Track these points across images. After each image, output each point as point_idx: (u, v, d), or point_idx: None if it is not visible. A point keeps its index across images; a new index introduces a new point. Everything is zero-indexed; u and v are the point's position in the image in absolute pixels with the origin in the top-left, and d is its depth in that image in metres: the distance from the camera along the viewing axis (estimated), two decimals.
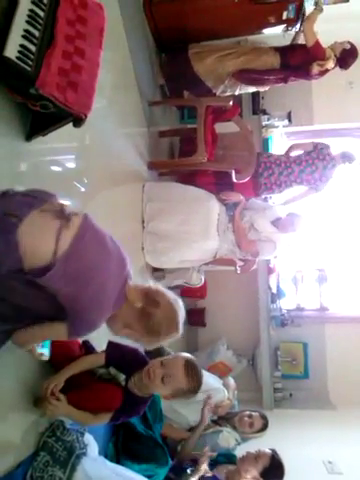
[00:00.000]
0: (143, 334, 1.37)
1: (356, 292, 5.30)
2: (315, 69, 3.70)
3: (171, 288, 4.24)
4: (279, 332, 4.95)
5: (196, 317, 5.31)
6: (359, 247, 5.35)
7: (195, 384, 1.85)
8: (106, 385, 1.88)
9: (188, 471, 2.42)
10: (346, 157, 3.75)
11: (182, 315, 1.43)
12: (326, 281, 5.31)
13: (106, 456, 2.15)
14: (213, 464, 2.52)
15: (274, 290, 4.98)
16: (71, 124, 1.70)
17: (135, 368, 1.93)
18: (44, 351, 1.61)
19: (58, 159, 2.15)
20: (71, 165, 2.31)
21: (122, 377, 1.91)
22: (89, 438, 1.96)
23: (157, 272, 3.85)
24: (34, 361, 1.76)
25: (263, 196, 4.07)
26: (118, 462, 2.13)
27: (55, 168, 2.11)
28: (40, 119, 1.70)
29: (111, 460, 2.08)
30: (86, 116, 1.64)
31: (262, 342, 4.69)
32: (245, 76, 3.89)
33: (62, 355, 1.83)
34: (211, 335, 5.15)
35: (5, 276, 1.19)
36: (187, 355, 2.00)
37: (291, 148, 3.90)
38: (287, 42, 4.01)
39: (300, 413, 4.46)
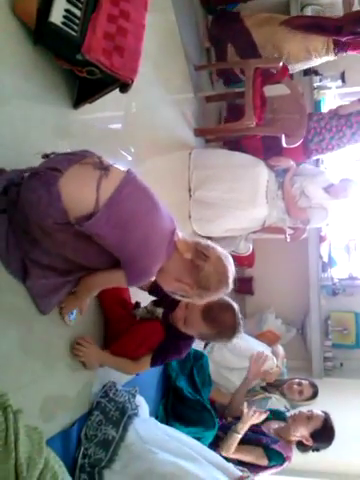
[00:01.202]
0: (193, 287, 1.37)
1: None
2: None
3: None
4: (330, 301, 4.86)
5: (244, 285, 5.30)
6: None
7: (216, 330, 1.77)
8: (144, 322, 1.87)
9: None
10: None
11: (232, 271, 1.41)
12: None
13: (156, 418, 2.21)
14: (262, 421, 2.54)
15: (325, 259, 4.87)
16: (118, 90, 1.67)
17: (174, 304, 1.89)
18: (72, 318, 1.65)
19: (104, 127, 2.15)
20: (117, 133, 2.30)
21: (159, 311, 1.89)
22: (140, 400, 2.01)
23: None
24: (89, 321, 1.82)
25: (314, 158, 3.92)
26: (167, 424, 2.18)
27: (102, 136, 2.11)
28: (87, 86, 1.69)
29: (161, 422, 2.14)
30: (133, 81, 1.62)
31: (312, 311, 4.63)
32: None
33: (114, 303, 1.89)
34: (259, 303, 5.13)
35: (55, 229, 1.24)
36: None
37: (339, 110, 3.70)
38: None
39: (351, 382, 4.40)
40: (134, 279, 1.38)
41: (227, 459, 2.17)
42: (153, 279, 1.49)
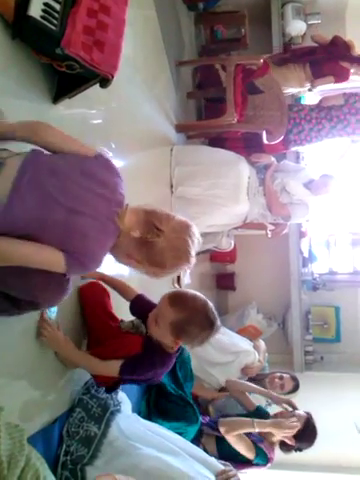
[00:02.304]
0: (145, 265, 1.22)
1: None
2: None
3: (201, 252, 4.27)
4: (310, 296, 4.93)
5: (226, 281, 5.34)
6: None
7: (185, 314, 1.57)
8: (126, 335, 1.79)
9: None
10: None
11: (194, 242, 1.24)
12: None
13: (139, 414, 2.21)
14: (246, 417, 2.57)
15: (306, 254, 4.92)
16: (98, 85, 1.66)
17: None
18: (52, 316, 1.61)
19: (85, 123, 2.13)
20: (98, 129, 2.28)
21: (144, 328, 1.78)
22: (122, 396, 2.01)
23: None
24: (69, 321, 1.81)
25: (293, 149, 3.96)
26: (150, 420, 2.19)
27: (82, 132, 2.09)
28: (66, 81, 1.67)
29: (143, 418, 2.14)
30: (113, 76, 1.60)
31: (293, 306, 4.69)
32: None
33: (96, 311, 1.86)
34: (241, 299, 5.18)
35: None
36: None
37: (321, 102, 3.75)
38: None
39: (331, 376, 4.48)
40: (73, 261, 1.15)
41: (208, 454, 2.18)
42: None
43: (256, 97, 3.91)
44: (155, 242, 1.19)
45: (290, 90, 4.03)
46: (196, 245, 1.26)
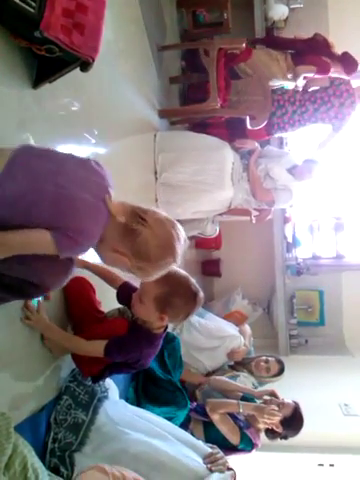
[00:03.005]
0: (130, 257, 1.21)
1: None
2: None
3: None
4: (295, 281, 4.98)
5: (211, 267, 5.36)
6: None
7: (168, 286, 1.57)
8: (112, 319, 1.81)
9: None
10: None
11: (179, 238, 1.24)
12: (343, 229, 5.26)
13: (127, 400, 2.22)
14: None
15: (290, 239, 4.96)
16: (79, 70, 1.63)
17: None
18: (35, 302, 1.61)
19: (66, 109, 2.10)
20: (80, 115, 2.25)
21: (130, 313, 1.80)
22: (109, 382, 2.01)
23: None
24: (55, 309, 1.80)
25: (276, 135, 3.95)
26: (139, 405, 2.20)
27: (63, 119, 2.06)
28: (46, 65, 1.64)
29: (132, 404, 2.15)
30: (93, 60, 1.58)
31: (277, 291, 4.73)
32: None
33: (81, 299, 1.85)
34: (226, 285, 5.21)
35: None
36: None
37: (307, 84, 3.74)
38: None
39: (316, 359, 4.55)
40: (64, 242, 1.15)
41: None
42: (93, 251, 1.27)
43: (239, 82, 3.89)
44: (139, 230, 1.19)
45: (274, 82, 4.00)
46: (182, 242, 1.26)
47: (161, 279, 1.48)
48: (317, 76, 3.74)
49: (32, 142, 1.60)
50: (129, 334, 1.69)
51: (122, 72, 2.84)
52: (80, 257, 1.73)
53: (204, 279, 5.47)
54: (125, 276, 1.92)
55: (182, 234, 1.27)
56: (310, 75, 3.76)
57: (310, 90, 3.69)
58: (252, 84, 3.90)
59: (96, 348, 1.66)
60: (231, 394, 2.75)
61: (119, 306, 1.90)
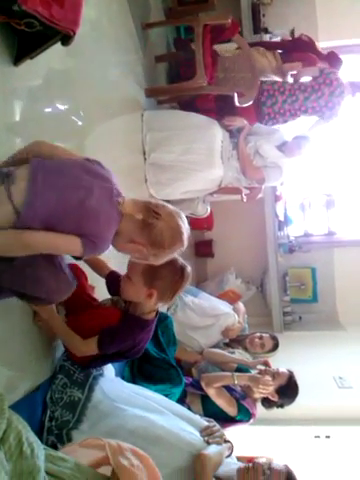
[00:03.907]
0: (147, 246, 1.36)
1: None
2: None
3: None
4: (287, 258, 5.00)
5: (204, 248, 5.36)
6: None
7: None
8: (105, 306, 1.84)
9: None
10: (356, 87, 3.59)
11: (186, 228, 1.41)
12: (334, 206, 5.27)
13: (123, 378, 2.24)
14: None
15: (281, 218, 4.96)
16: (60, 44, 1.60)
17: None
18: None
19: (50, 89, 2.06)
20: (64, 96, 2.21)
21: (123, 303, 1.83)
22: None
23: None
24: None
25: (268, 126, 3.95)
26: (135, 384, 2.21)
27: (49, 98, 2.03)
28: (27, 40, 1.60)
29: (127, 382, 2.16)
30: (75, 32, 1.54)
31: (270, 269, 4.75)
32: None
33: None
34: (220, 265, 5.22)
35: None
36: None
37: (297, 74, 3.75)
38: None
39: (310, 335, 4.59)
40: (89, 245, 1.31)
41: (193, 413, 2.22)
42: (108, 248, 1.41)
43: (226, 59, 3.84)
44: (154, 223, 1.35)
45: (263, 76, 3.99)
46: (187, 231, 1.42)
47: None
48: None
49: None
50: (121, 324, 1.73)
51: (106, 51, 2.79)
52: None
53: (197, 260, 5.48)
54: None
55: (186, 222, 1.43)
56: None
57: (300, 80, 3.71)
58: (239, 61, 3.85)
59: (90, 347, 1.70)
60: (226, 366, 2.78)
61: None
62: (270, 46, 4.07)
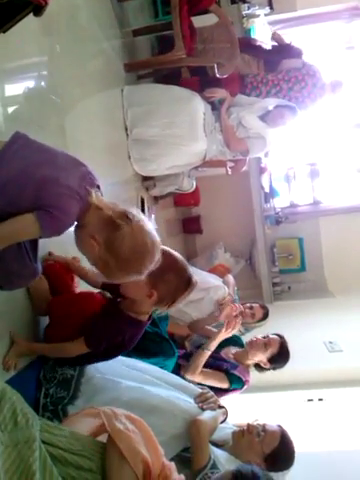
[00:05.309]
0: (101, 247, 1.26)
1: (348, 183, 5.30)
2: None
3: (164, 196, 4.22)
4: (274, 230, 5.04)
5: (192, 225, 5.37)
6: (348, 137, 5.26)
7: (164, 260, 1.48)
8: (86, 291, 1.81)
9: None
10: (336, 85, 3.67)
11: (152, 254, 1.28)
12: (318, 175, 5.29)
13: None
14: (220, 346, 2.64)
15: (267, 190, 4.97)
16: (32, 15, 1.56)
17: None
18: None
19: (26, 71, 2.02)
20: (41, 77, 2.17)
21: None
22: None
23: (147, 181, 3.80)
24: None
25: None
26: (128, 357, 2.23)
27: (25, 78, 1.99)
28: None
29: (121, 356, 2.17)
30: (47, 3, 1.50)
31: (258, 241, 4.79)
32: None
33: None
34: (208, 240, 5.24)
35: None
36: None
37: (281, 65, 3.78)
38: None
39: (300, 303, 4.66)
40: (46, 219, 1.24)
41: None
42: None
43: (204, 30, 3.79)
44: (121, 226, 1.24)
45: None
46: (151, 259, 1.29)
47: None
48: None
49: None
50: (109, 318, 1.67)
51: (82, 28, 2.73)
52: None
53: (186, 237, 5.49)
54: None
55: (157, 255, 1.31)
56: None
57: (281, 73, 3.71)
58: (217, 31, 3.80)
59: (79, 348, 1.65)
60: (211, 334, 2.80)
61: None
62: (256, 49, 4.03)
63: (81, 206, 1.27)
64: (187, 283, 1.60)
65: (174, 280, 1.57)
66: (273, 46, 4.12)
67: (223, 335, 2.53)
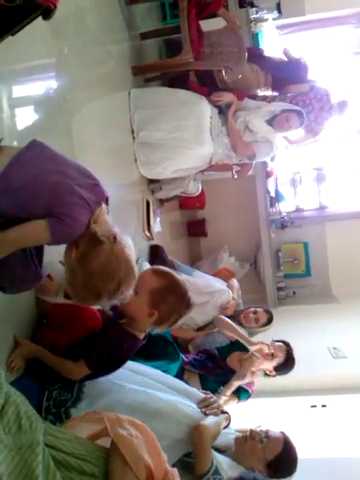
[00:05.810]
0: (76, 257, 1.27)
1: (354, 187, 5.29)
2: None
3: (169, 199, 4.22)
4: (279, 234, 5.02)
5: (197, 228, 5.37)
6: (355, 142, 5.24)
7: (167, 281, 1.66)
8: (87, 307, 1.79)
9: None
10: (343, 106, 3.70)
11: (119, 284, 1.28)
12: (325, 180, 5.28)
13: None
14: (226, 352, 2.63)
15: (273, 194, 4.97)
16: (41, 18, 1.56)
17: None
18: None
19: (34, 74, 2.03)
20: (50, 79, 2.18)
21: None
22: None
23: (153, 184, 3.81)
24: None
25: None
26: (132, 361, 2.22)
27: (31, 84, 2.00)
28: (7, 16, 1.57)
29: None
30: (55, 6, 1.50)
31: (263, 245, 4.77)
32: None
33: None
34: (213, 244, 5.24)
35: None
36: None
37: (288, 89, 3.81)
38: None
39: (304, 308, 4.64)
40: (57, 226, 1.25)
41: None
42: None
43: (212, 34, 3.79)
44: (103, 243, 1.26)
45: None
46: (119, 288, 1.29)
47: (162, 274, 1.64)
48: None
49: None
50: (105, 334, 1.72)
51: (90, 32, 2.74)
52: None
53: (191, 240, 5.49)
54: None
55: (126, 287, 1.30)
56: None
57: (289, 94, 3.75)
58: (225, 35, 3.80)
59: (80, 370, 1.69)
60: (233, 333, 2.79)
61: None
62: (266, 62, 4.02)
63: (90, 217, 1.30)
64: (187, 306, 1.68)
65: (175, 301, 1.65)
66: (282, 62, 4.10)
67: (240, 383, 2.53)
